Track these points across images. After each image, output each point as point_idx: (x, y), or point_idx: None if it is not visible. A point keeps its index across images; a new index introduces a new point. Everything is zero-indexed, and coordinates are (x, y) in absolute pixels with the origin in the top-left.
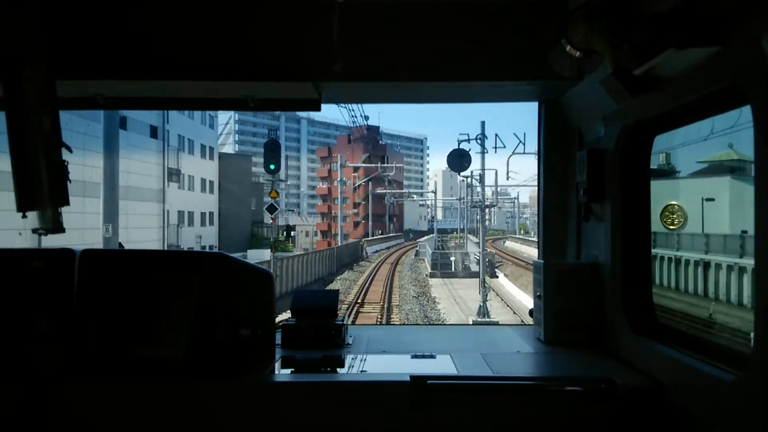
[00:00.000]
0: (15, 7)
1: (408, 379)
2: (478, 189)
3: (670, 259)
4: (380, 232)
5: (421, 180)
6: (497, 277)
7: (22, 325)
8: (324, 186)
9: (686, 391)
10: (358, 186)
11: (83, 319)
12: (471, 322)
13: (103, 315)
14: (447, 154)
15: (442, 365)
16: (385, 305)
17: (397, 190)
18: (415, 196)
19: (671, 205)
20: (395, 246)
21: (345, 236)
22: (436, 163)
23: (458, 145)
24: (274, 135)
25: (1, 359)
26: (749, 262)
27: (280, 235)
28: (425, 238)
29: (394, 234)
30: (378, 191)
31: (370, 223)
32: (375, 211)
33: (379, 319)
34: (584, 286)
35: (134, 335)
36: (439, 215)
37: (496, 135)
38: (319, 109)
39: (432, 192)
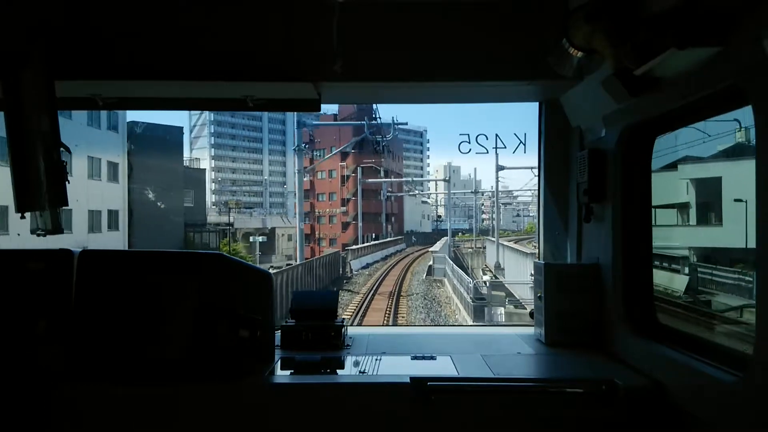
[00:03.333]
0: (14, 7)
1: (408, 380)
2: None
3: None
4: (374, 235)
5: (421, 176)
6: None
7: (22, 326)
8: (305, 179)
9: (687, 392)
10: (348, 177)
11: (82, 319)
12: None
13: (102, 316)
14: (446, 149)
15: (442, 366)
16: None
17: (396, 179)
18: (418, 188)
19: None
20: (394, 254)
21: (332, 241)
22: (437, 159)
23: (458, 147)
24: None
25: (0, 360)
26: None
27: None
28: (439, 246)
29: (392, 238)
30: (369, 179)
31: (360, 224)
32: (368, 209)
33: None
34: (585, 287)
35: (133, 336)
36: (441, 214)
37: (497, 135)
38: (318, 109)
39: (445, 180)
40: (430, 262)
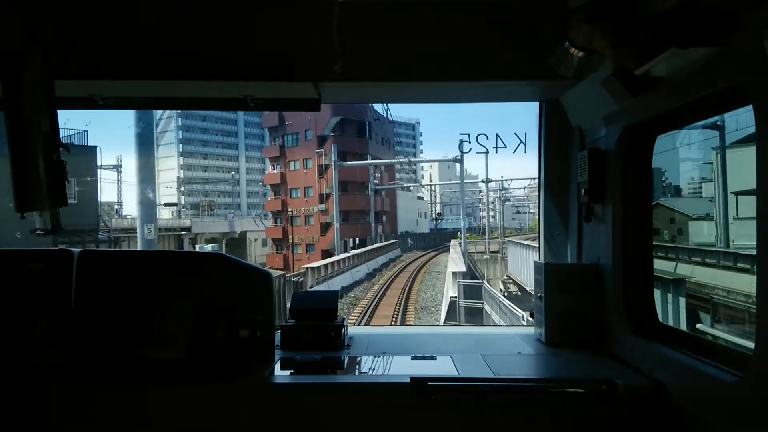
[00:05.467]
0: (14, 7)
1: (408, 380)
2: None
3: None
4: (356, 240)
5: (414, 172)
6: None
7: (21, 326)
8: (275, 171)
9: (687, 392)
10: (326, 168)
11: (82, 319)
12: None
13: (102, 315)
14: (440, 144)
15: (442, 367)
16: None
17: (385, 160)
18: (413, 187)
19: None
20: (386, 266)
21: (309, 246)
22: (431, 153)
23: (458, 147)
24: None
25: (0, 359)
26: None
27: None
28: (457, 258)
29: (383, 243)
30: (349, 161)
31: (337, 226)
32: (352, 206)
33: None
34: (585, 287)
35: (133, 336)
36: (440, 212)
37: (497, 135)
38: (318, 109)
39: (455, 160)
40: (452, 293)
